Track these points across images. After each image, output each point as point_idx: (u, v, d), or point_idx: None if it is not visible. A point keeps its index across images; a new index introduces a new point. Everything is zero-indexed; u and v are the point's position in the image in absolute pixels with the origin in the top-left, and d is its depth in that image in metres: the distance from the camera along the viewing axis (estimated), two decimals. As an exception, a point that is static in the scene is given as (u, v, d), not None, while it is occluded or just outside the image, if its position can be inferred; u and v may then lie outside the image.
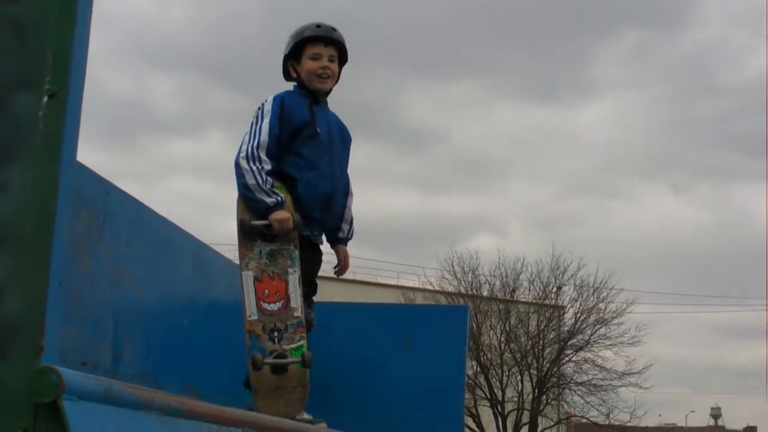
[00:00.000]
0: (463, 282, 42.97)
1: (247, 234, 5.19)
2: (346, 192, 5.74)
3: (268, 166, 5.21)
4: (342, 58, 5.62)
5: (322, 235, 5.62)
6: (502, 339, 41.83)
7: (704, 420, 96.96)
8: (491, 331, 42.04)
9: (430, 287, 43.70)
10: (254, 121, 5.33)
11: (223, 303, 6.91)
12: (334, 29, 5.53)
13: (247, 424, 2.66)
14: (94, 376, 1.91)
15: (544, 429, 42.59)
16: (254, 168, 5.18)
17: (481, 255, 53.05)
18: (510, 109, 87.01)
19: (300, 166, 5.34)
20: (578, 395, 42.84)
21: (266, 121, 5.28)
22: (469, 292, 42.44)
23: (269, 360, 5.09)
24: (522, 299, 43.70)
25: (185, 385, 6.16)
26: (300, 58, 5.48)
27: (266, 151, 5.23)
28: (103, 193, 5.17)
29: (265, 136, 5.24)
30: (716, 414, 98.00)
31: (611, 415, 42.89)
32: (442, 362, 7.55)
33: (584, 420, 44.95)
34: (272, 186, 5.20)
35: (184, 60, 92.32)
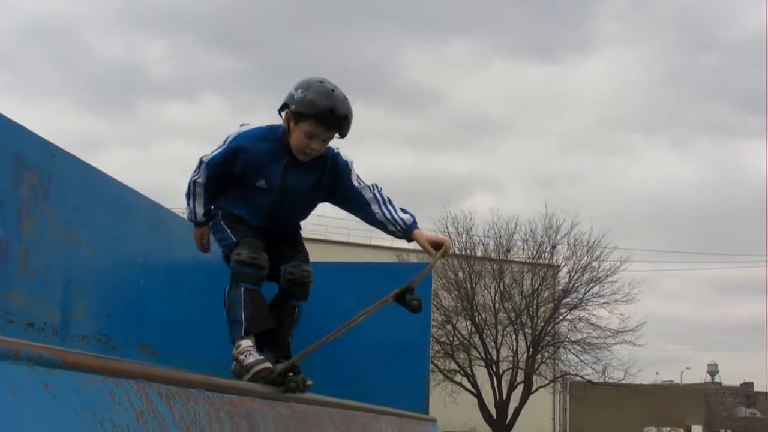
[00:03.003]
0: (456, 242, 42.98)
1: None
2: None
3: (201, 180, 5.32)
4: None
5: None
6: (497, 299, 41.92)
7: (701, 377, 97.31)
8: (485, 291, 42.13)
9: (424, 248, 43.64)
10: (223, 139, 5.36)
11: (181, 263, 6.95)
12: (346, 117, 5.15)
13: (139, 376, 2.69)
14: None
15: (539, 388, 42.72)
16: (191, 179, 5.35)
17: (476, 215, 53.03)
18: (508, 67, 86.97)
19: (240, 205, 5.36)
20: (573, 354, 42.98)
21: (219, 152, 5.30)
22: (463, 253, 42.46)
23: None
24: (516, 259, 43.75)
25: (141, 345, 6.22)
26: (297, 119, 5.16)
27: (208, 171, 5.30)
28: (48, 156, 5.19)
29: (210, 158, 5.30)
30: (713, 371, 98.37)
31: (606, 373, 43.09)
32: (408, 320, 7.61)
33: (579, 378, 45.15)
34: (195, 201, 5.37)
35: (177, 22, 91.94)
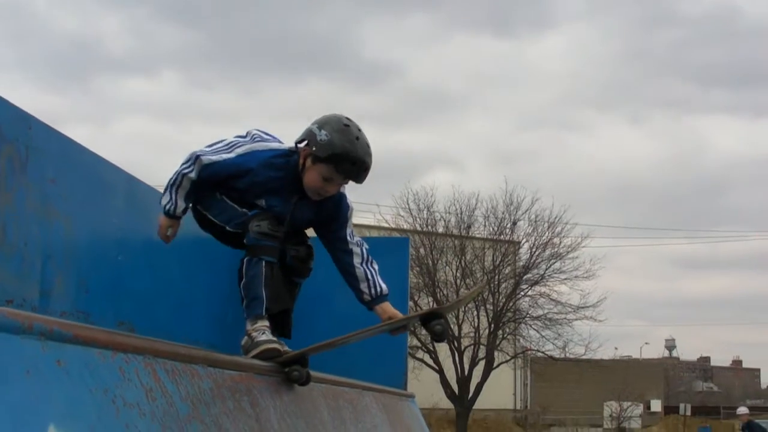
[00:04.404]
0: (418, 219, 43.03)
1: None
2: None
3: (193, 176, 5.10)
4: None
5: None
6: (458, 275, 41.99)
7: (659, 352, 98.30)
8: (447, 267, 42.20)
9: (385, 225, 43.73)
10: (228, 143, 5.15)
11: (158, 239, 6.82)
12: (366, 168, 5.05)
13: (147, 352, 2.59)
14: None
15: (501, 363, 42.93)
16: (181, 169, 5.12)
17: (436, 191, 53.11)
18: (467, 42, 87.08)
19: (232, 217, 5.18)
20: (534, 329, 43.25)
21: (225, 160, 5.07)
22: (425, 229, 42.49)
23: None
24: (477, 235, 43.85)
25: (119, 321, 6.09)
26: (315, 161, 5.01)
27: (205, 174, 5.09)
28: (25, 127, 5.03)
29: (212, 162, 5.07)
30: (670, 345, 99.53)
31: (567, 349, 43.41)
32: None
33: (540, 354, 45.38)
34: (178, 192, 5.17)
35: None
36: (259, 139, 5.21)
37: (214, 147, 5.14)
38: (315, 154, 4.96)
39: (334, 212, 5.30)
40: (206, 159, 5.06)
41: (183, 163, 5.13)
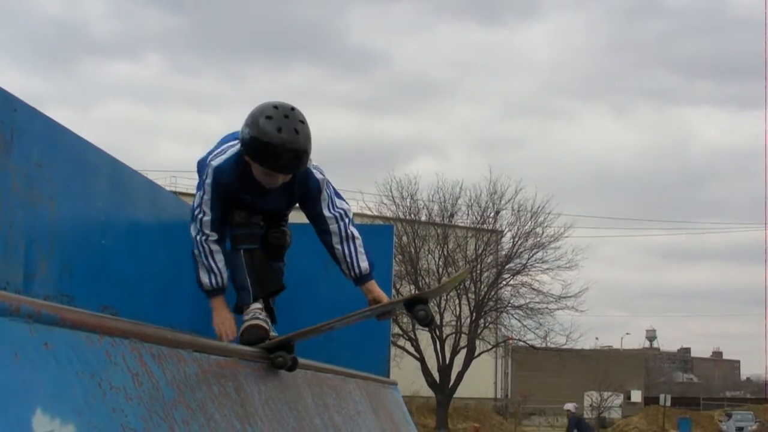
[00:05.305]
0: (401, 207, 43.09)
1: None
2: None
3: (214, 237, 5.09)
4: None
5: None
6: (440, 263, 42.08)
7: (640, 342, 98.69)
8: (429, 255, 42.30)
9: (368, 212, 43.76)
10: (198, 182, 5.16)
11: (143, 223, 6.81)
12: (296, 157, 4.78)
13: (133, 336, 2.58)
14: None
15: (482, 352, 43.06)
16: (198, 238, 5.11)
17: (420, 179, 53.18)
18: (453, 30, 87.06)
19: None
20: (515, 319, 43.47)
21: (207, 198, 5.05)
22: (408, 217, 42.56)
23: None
24: (460, 224, 43.96)
25: (102, 306, 6.08)
26: (250, 159, 4.92)
27: (211, 225, 5.08)
28: (10, 110, 5.01)
29: (209, 214, 5.06)
30: (651, 336, 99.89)
31: (548, 338, 43.56)
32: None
33: (521, 343, 45.55)
34: (213, 258, 5.13)
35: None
36: (213, 155, 5.16)
37: (197, 197, 5.14)
38: (246, 154, 4.88)
39: (306, 191, 5.21)
40: (199, 212, 5.08)
41: (195, 234, 5.14)
